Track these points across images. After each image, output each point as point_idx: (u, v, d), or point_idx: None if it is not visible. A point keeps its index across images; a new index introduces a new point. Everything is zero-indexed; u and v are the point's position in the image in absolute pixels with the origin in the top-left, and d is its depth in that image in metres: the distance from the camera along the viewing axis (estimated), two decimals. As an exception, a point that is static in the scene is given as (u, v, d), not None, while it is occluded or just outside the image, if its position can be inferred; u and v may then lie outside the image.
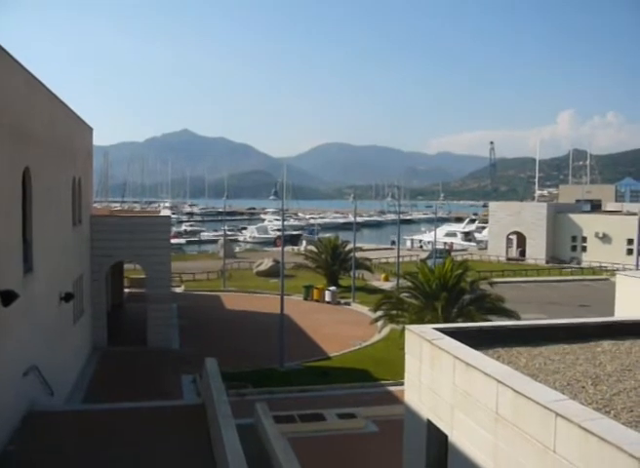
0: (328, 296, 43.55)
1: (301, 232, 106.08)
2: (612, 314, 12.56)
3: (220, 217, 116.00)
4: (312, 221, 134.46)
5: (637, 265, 44.46)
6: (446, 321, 23.02)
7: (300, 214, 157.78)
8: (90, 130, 30.86)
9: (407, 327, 10.80)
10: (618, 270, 18.07)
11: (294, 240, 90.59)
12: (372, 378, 25.61)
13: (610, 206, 77.59)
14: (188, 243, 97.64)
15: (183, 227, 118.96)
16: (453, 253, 62.74)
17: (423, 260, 45.59)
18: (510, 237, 73.75)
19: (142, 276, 35.93)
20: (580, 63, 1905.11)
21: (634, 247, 50.13)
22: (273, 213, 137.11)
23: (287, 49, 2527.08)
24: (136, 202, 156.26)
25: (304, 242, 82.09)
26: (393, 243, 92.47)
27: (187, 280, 52.09)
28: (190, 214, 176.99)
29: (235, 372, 25.05)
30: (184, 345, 31.55)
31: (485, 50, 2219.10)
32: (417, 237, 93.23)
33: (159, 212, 50.00)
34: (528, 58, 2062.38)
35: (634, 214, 50.53)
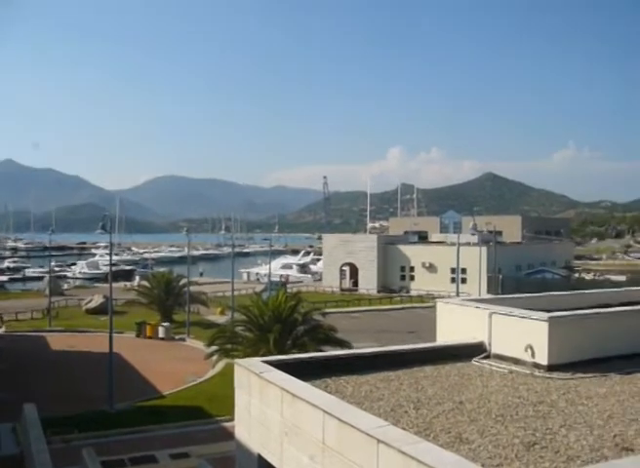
0: (161, 333, 42.35)
1: (135, 267, 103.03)
2: (435, 339, 13.09)
3: (47, 253, 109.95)
4: (147, 256, 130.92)
5: (458, 292, 47.28)
6: (280, 353, 23.01)
7: (133, 249, 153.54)
8: None
9: (235, 361, 10.66)
10: (443, 297, 19.07)
11: (127, 275, 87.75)
12: (207, 415, 25.04)
13: (435, 237, 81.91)
14: (11, 280, 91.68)
15: (6, 264, 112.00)
16: (289, 286, 63.43)
17: (258, 293, 45.62)
18: (343, 268, 75.87)
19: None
20: (403, 100, 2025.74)
21: (456, 275, 53.29)
22: (105, 247, 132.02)
23: (118, 79, 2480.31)
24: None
25: (138, 277, 79.62)
26: (201, 274, 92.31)
27: (9, 320, 48.76)
28: (14, 249, 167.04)
29: (60, 417, 23.52)
30: (3, 391, 29.24)
31: (314, 83, 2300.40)
32: (253, 270, 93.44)
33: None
34: (355, 92, 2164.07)
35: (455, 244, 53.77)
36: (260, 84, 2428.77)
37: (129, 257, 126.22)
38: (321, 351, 20.29)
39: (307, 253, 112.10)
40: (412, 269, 71.55)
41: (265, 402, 9.18)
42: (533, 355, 10.63)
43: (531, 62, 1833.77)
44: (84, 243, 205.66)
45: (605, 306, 13.08)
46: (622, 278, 72.80)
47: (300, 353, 19.84)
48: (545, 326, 10.49)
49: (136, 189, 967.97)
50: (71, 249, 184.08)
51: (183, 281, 49.70)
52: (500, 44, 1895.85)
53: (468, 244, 63.20)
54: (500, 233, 72.64)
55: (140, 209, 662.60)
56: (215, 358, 28.19)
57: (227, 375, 28.44)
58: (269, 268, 62.31)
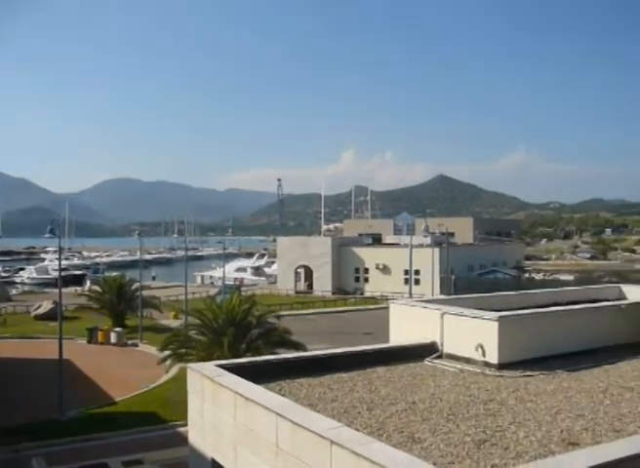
0: (114, 338, 41.67)
1: (86, 271, 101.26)
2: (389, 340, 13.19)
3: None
4: (98, 260, 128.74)
5: (411, 293, 47.72)
6: (235, 356, 22.90)
7: (84, 253, 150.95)
8: None
9: (188, 365, 10.61)
10: (396, 299, 19.16)
11: (77, 280, 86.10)
12: (161, 421, 24.69)
13: (389, 239, 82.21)
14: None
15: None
16: (244, 289, 63.05)
17: (212, 297, 45.32)
18: (298, 271, 75.85)
19: None
20: (357, 102, 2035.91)
21: (409, 276, 53.76)
22: (54, 252, 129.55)
23: (66, 80, 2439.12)
24: None
25: (89, 282, 78.25)
26: (154, 278, 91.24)
27: (-46, 328, 47.33)
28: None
29: (7, 426, 22.95)
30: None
31: (267, 85, 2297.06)
32: (207, 273, 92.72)
33: None
34: (309, 94, 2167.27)
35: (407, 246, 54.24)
36: (212, 86, 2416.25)
37: (79, 262, 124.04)
38: (275, 354, 20.28)
39: (262, 256, 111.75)
40: (366, 271, 71.93)
41: (218, 406, 9.13)
42: (483, 354, 10.80)
43: (481, 67, 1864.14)
44: (33, 247, 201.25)
45: (554, 305, 13.39)
46: (571, 277, 74.46)
47: (254, 356, 19.80)
48: (495, 325, 10.68)
49: (85, 192, 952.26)
50: (19, 253, 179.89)
51: (136, 285, 48.98)
52: (453, 47, 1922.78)
53: (421, 245, 63.83)
54: (452, 234, 73.42)
55: (91, 212, 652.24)
56: (168, 363, 27.89)
57: (181, 380, 28.05)
58: (223, 271, 61.89)
